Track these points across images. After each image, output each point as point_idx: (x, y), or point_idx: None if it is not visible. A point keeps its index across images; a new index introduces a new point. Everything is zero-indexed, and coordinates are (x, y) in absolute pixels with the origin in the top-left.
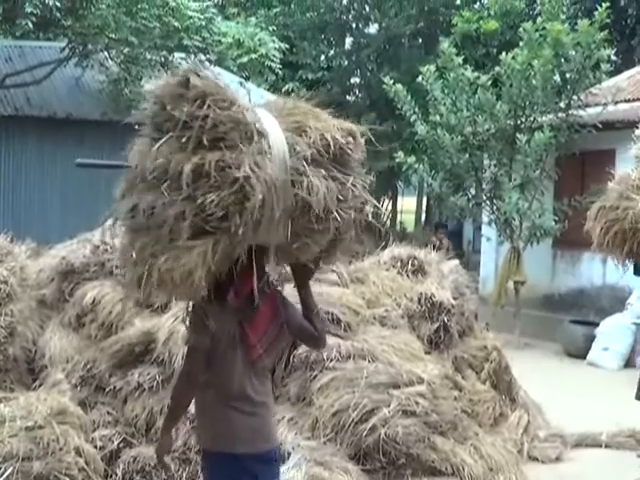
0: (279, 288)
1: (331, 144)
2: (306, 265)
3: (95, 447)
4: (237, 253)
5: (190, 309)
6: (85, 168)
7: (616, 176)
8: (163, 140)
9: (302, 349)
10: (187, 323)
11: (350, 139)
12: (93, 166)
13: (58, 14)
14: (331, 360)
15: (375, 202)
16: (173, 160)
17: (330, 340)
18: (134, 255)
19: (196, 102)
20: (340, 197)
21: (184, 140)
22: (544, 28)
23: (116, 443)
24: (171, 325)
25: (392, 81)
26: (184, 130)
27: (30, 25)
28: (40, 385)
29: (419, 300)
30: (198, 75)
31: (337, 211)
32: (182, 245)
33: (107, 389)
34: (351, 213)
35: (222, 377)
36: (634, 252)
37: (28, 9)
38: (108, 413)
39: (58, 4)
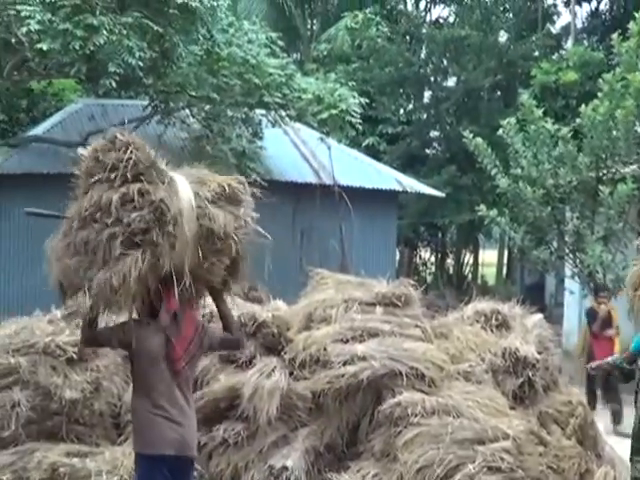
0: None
1: (226, 188)
2: (218, 286)
3: None
4: (162, 268)
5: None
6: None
7: None
8: (94, 179)
9: (386, 404)
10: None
11: (240, 185)
12: (40, 215)
13: (140, 73)
14: (416, 416)
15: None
16: (104, 196)
17: (415, 396)
18: (73, 276)
19: (121, 150)
20: (235, 225)
21: (112, 178)
22: (624, 78)
23: None
24: (256, 381)
25: (472, 135)
26: (112, 172)
27: (113, 84)
28: (125, 440)
29: (503, 355)
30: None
31: (234, 234)
32: (115, 256)
33: None
34: (244, 237)
35: (150, 387)
36: None
37: (111, 68)
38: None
39: (140, 63)
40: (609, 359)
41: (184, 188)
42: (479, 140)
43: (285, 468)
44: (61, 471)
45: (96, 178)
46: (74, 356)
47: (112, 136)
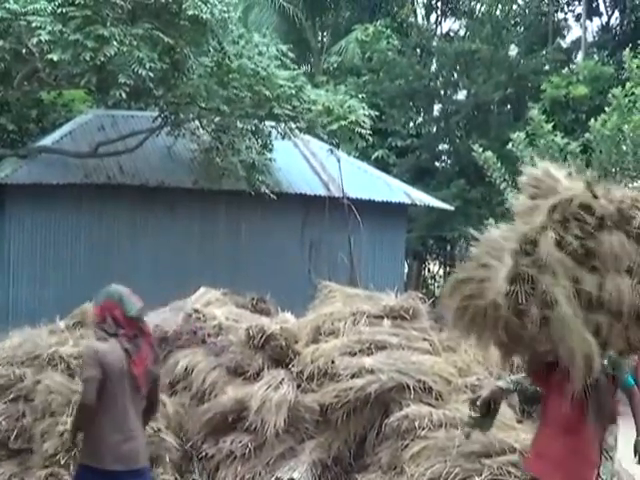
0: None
1: None
2: None
3: None
4: None
5: (83, 348)
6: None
7: None
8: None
9: (393, 417)
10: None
11: None
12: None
13: (150, 84)
14: (423, 429)
15: None
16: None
17: (422, 409)
18: None
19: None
20: None
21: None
22: (633, 93)
23: None
24: (263, 393)
25: (481, 148)
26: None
27: (123, 95)
28: None
29: (511, 368)
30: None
31: None
32: None
33: (199, 456)
34: None
35: (110, 403)
36: (502, 342)
37: (121, 79)
38: None
39: (151, 74)
40: (501, 383)
41: None
42: (489, 154)
43: None
44: None
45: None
46: (77, 368)
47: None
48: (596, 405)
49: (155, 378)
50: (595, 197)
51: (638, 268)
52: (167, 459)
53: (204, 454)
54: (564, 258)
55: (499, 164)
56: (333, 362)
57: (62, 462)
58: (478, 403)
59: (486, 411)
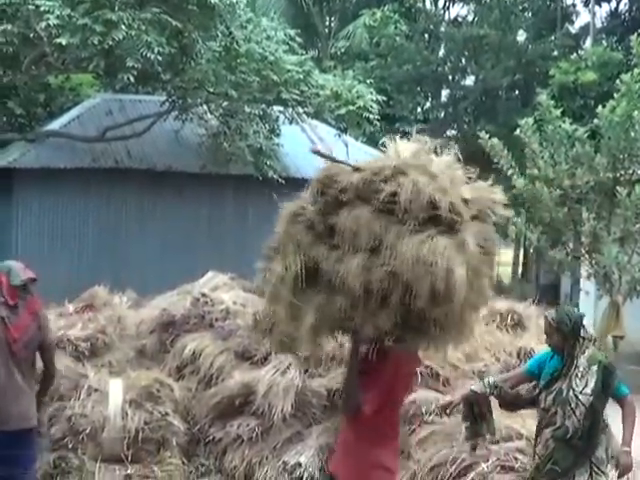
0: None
1: None
2: None
3: None
4: None
5: None
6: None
7: None
8: None
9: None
10: None
11: None
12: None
13: (158, 68)
14: (430, 414)
15: None
16: None
17: (429, 394)
18: None
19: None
20: None
21: None
22: None
23: None
24: (271, 378)
25: (488, 135)
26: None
27: (131, 79)
28: None
29: (518, 355)
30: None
31: None
32: None
33: (207, 440)
34: None
35: None
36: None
37: (129, 63)
38: (206, 464)
39: (159, 58)
40: (474, 386)
41: None
42: (495, 141)
43: (299, 464)
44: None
45: None
46: (86, 352)
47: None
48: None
49: (45, 347)
50: (355, 170)
51: (380, 245)
52: (174, 443)
53: (211, 438)
54: (303, 235)
55: (506, 151)
56: (340, 347)
57: (70, 446)
58: (448, 410)
59: (472, 418)
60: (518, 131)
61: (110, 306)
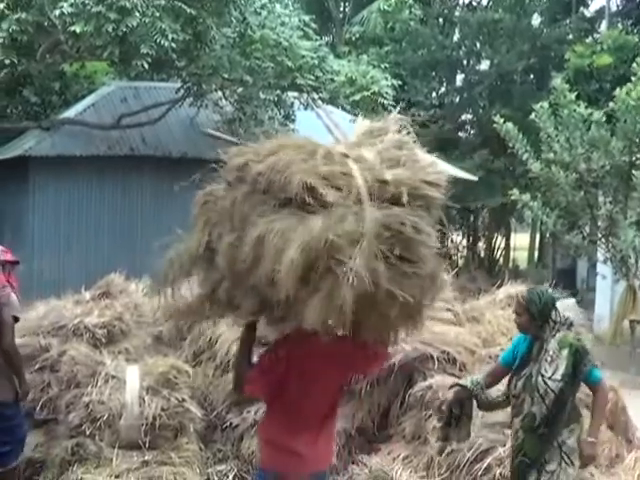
0: None
1: None
2: None
3: None
4: None
5: None
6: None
7: None
8: None
9: (417, 388)
10: None
11: None
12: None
13: (173, 55)
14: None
15: None
16: None
17: (446, 379)
18: None
19: None
20: None
21: None
22: None
23: (230, 478)
24: None
25: (502, 120)
26: None
27: (145, 66)
28: None
29: None
30: None
31: None
32: None
33: (224, 426)
34: None
35: None
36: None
37: (144, 50)
38: (223, 449)
39: (173, 45)
40: (462, 381)
41: None
42: (509, 125)
43: None
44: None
45: None
46: (103, 339)
47: None
48: None
49: None
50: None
51: (246, 225)
52: (191, 429)
53: (228, 424)
54: (209, 215)
55: (520, 135)
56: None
57: (88, 432)
58: (444, 407)
59: (448, 420)
60: (533, 115)
61: (126, 293)
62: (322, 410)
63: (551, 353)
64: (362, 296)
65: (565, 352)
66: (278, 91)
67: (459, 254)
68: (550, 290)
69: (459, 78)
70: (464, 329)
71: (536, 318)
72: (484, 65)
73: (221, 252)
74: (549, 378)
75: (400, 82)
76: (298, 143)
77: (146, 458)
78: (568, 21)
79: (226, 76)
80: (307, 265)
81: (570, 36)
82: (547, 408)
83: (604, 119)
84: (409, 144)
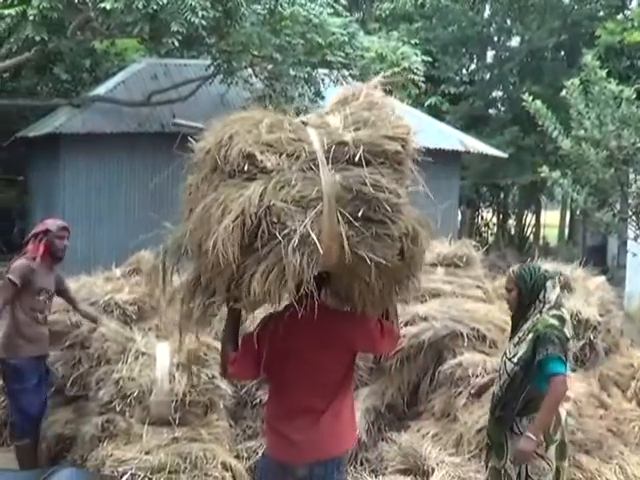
0: None
1: None
2: None
3: (239, 458)
4: None
5: None
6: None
7: None
8: None
9: (447, 365)
10: None
11: None
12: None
13: (203, 32)
14: (476, 377)
15: None
16: None
17: (475, 356)
18: None
19: None
20: None
21: None
22: None
23: (260, 455)
24: None
25: (531, 97)
26: None
27: (175, 43)
28: None
29: None
30: None
31: None
32: None
33: (253, 402)
34: None
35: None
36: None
37: (174, 28)
38: (253, 426)
39: (203, 22)
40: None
41: None
42: (539, 103)
43: None
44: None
45: None
46: (133, 316)
47: None
48: None
49: None
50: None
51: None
52: (221, 406)
53: (258, 400)
54: (190, 205)
55: (550, 113)
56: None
57: (118, 409)
58: (482, 393)
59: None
60: (564, 92)
61: (157, 270)
62: (319, 393)
63: (520, 334)
64: (332, 263)
65: (530, 335)
66: (308, 68)
67: (489, 231)
68: (543, 268)
69: (489, 55)
70: (494, 306)
71: (524, 296)
72: (514, 42)
73: (188, 236)
74: (509, 359)
75: (430, 59)
76: (245, 116)
77: (176, 435)
78: None
79: (256, 53)
80: (248, 232)
81: (601, 13)
82: (500, 390)
83: (635, 96)
84: (380, 104)
